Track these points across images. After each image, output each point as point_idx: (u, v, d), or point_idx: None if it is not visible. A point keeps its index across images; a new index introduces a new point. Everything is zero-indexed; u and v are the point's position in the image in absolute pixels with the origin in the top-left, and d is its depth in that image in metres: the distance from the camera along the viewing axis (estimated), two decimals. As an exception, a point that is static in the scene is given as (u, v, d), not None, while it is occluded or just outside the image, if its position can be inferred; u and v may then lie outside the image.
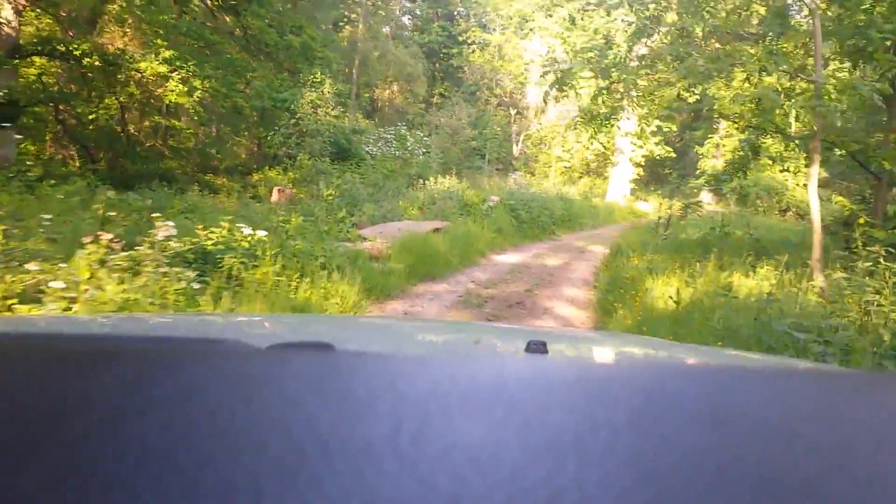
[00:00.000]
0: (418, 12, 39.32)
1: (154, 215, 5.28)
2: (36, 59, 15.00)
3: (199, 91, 14.67)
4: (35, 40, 14.72)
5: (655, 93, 8.71)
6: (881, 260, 5.97)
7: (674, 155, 28.76)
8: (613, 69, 9.96)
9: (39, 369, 0.63)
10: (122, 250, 4.53)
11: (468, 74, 35.57)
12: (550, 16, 28.79)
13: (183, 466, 0.39)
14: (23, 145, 14.93)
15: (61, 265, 4.28)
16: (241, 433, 0.45)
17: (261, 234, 5.86)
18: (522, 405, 0.54)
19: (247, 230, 5.73)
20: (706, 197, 22.31)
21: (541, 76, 11.60)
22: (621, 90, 10.98)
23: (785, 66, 7.79)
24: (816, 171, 7.94)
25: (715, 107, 10.38)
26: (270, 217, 9.77)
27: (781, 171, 19.00)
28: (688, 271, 7.63)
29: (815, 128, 7.60)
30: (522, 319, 7.11)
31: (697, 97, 10.83)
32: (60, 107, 16.23)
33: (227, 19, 16.46)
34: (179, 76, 14.42)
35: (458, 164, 24.37)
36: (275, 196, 14.16)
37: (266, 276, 5.93)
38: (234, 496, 0.36)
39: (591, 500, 0.38)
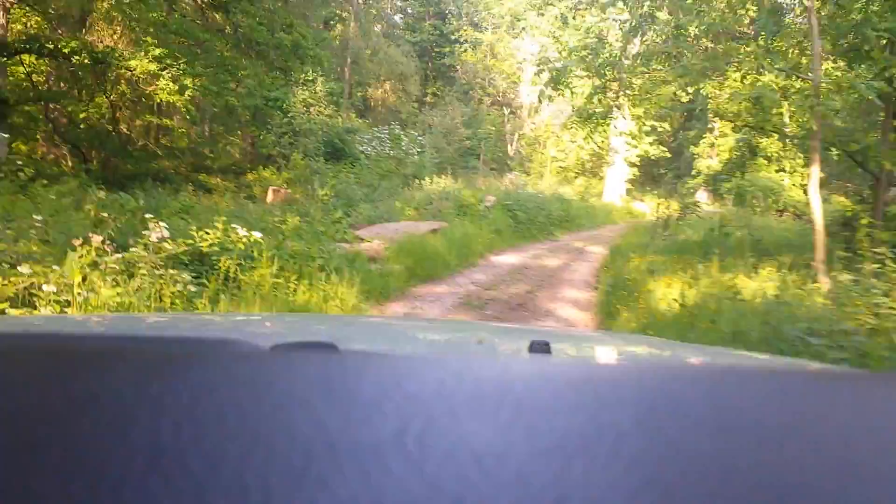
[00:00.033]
0: (410, 10, 39.17)
1: (147, 216, 5.13)
2: (24, 56, 14.81)
3: (191, 90, 14.49)
4: (23, 38, 14.52)
5: (651, 92, 8.59)
6: (886, 261, 5.87)
7: (669, 155, 28.72)
8: (608, 67, 9.85)
9: (47, 369, 0.63)
10: (115, 252, 4.38)
11: (461, 73, 35.47)
12: (542, 14, 28.71)
13: (194, 466, 0.39)
14: (14, 145, 14.75)
15: (54, 267, 4.14)
16: (250, 433, 0.44)
17: (257, 235, 5.72)
18: (528, 406, 0.54)
19: (242, 231, 5.58)
20: (702, 196, 22.27)
21: (535, 74, 11.50)
22: (616, 89, 10.89)
23: (782, 65, 7.69)
24: (817, 171, 7.84)
25: (710, 106, 10.29)
26: (266, 218, 9.64)
27: (778, 171, 18.92)
28: (690, 273, 7.52)
29: (815, 127, 7.49)
30: (525, 321, 7.00)
31: (691, 96, 10.75)
32: (51, 105, 16.06)
33: (217, 17, 16.30)
34: (170, 74, 14.24)
35: (454, 163, 24.27)
36: (270, 196, 14.02)
37: (264, 278, 5.80)
38: (245, 496, 0.36)
39: (597, 501, 0.38)
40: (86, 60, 14.03)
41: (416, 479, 0.39)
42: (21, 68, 15.33)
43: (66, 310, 3.81)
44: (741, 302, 5.68)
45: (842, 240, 9.30)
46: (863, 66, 8.28)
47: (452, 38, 35.76)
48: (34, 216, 5.17)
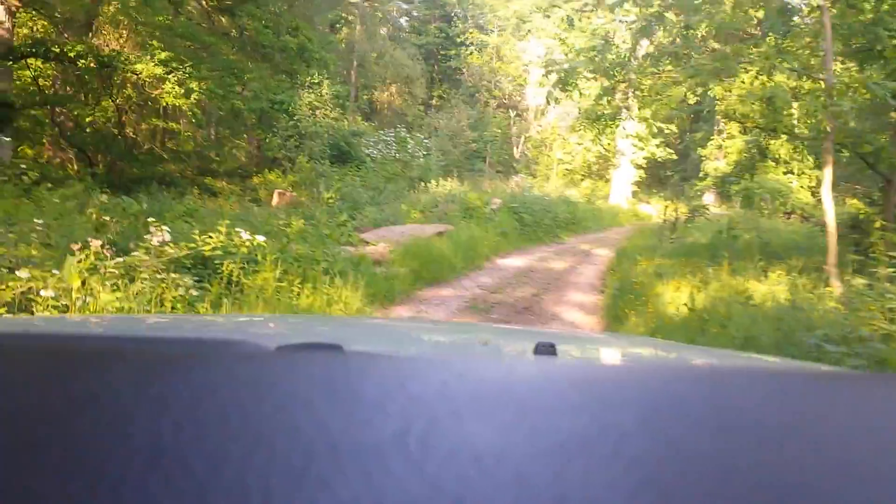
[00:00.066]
0: (415, 14, 39.14)
1: (150, 220, 5.08)
2: (31, 60, 14.82)
3: (196, 93, 14.47)
4: (30, 42, 14.53)
5: (661, 93, 8.49)
6: None
7: (675, 157, 28.60)
8: (617, 68, 9.77)
9: (48, 369, 0.63)
10: (115, 256, 4.33)
11: (467, 76, 35.42)
12: (548, 16, 28.66)
13: (195, 467, 0.39)
14: (20, 148, 14.76)
15: (54, 272, 4.09)
16: (251, 434, 0.44)
17: (260, 238, 5.66)
18: (531, 407, 0.54)
19: (245, 235, 5.52)
20: (708, 199, 22.15)
21: (543, 76, 11.41)
22: (624, 90, 10.80)
23: (794, 65, 7.58)
24: (830, 173, 7.73)
25: (721, 107, 10.19)
26: (271, 221, 9.58)
27: (786, 174, 18.81)
28: (699, 276, 7.43)
29: (828, 128, 7.38)
30: (531, 325, 6.93)
31: (699, 98, 10.66)
32: (57, 109, 16.06)
33: (223, 20, 16.28)
34: (176, 78, 14.22)
35: (459, 166, 24.21)
36: (275, 199, 13.98)
37: (267, 281, 5.75)
38: (246, 496, 0.36)
39: (596, 501, 0.38)
40: (92, 64, 14.04)
41: (417, 479, 0.39)
42: (28, 72, 15.33)
43: (64, 315, 3.75)
44: (753, 307, 5.57)
45: (851, 242, 9.21)
46: (874, 66, 8.17)
47: (458, 40, 35.72)
48: (35, 220, 5.12)
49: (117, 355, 0.71)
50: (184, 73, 14.38)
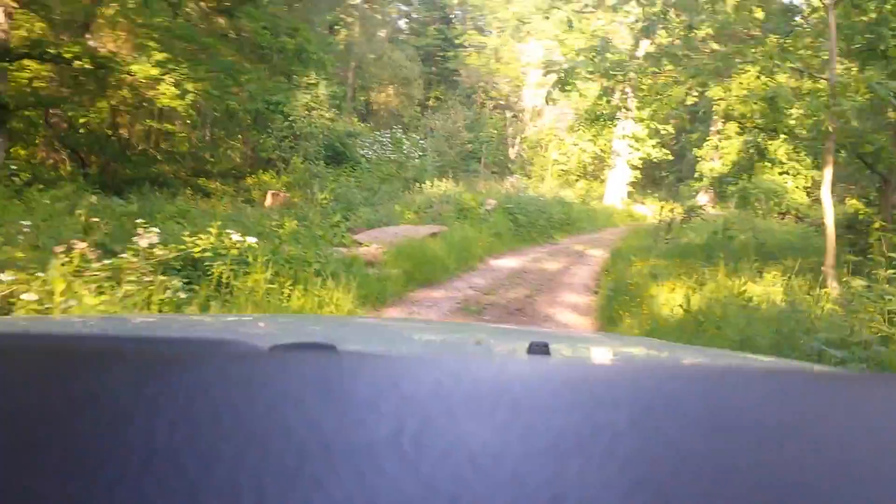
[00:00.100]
0: (415, 15, 39.08)
1: (138, 221, 5.02)
2: (26, 62, 14.74)
3: (192, 94, 14.41)
4: (26, 43, 14.46)
5: (662, 92, 8.43)
6: None
7: (671, 157, 28.58)
8: (618, 68, 9.71)
9: (42, 369, 0.63)
10: (100, 259, 4.28)
11: (464, 77, 35.36)
12: (548, 18, 28.65)
13: (188, 467, 0.39)
14: (13, 149, 14.69)
15: (39, 274, 4.03)
16: (244, 434, 0.44)
17: (251, 240, 5.60)
18: (525, 407, 0.54)
19: (236, 236, 5.46)
20: (703, 199, 22.11)
21: (543, 75, 11.34)
22: (623, 90, 10.75)
23: (797, 65, 7.52)
24: (830, 174, 7.68)
25: (718, 108, 10.14)
26: (263, 221, 9.54)
27: (781, 174, 18.80)
28: (695, 277, 7.39)
29: (830, 128, 7.33)
30: (523, 326, 6.89)
31: (696, 99, 10.61)
32: (51, 111, 15.99)
33: (221, 21, 16.21)
34: (172, 79, 14.16)
35: (455, 167, 24.16)
36: (269, 200, 13.93)
37: (258, 283, 5.70)
38: (238, 496, 0.36)
39: (592, 501, 0.38)
40: (87, 65, 13.96)
41: (411, 479, 0.39)
42: (24, 74, 15.24)
43: (63, 316, 3.70)
44: (753, 309, 5.49)
45: (846, 243, 9.18)
46: (876, 66, 8.11)
47: (457, 42, 35.67)
48: (22, 221, 5.07)
49: (114, 355, 0.71)
50: (180, 74, 14.32)
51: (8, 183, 9.47)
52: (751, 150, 10.39)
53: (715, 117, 18.69)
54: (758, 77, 8.23)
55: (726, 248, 9.54)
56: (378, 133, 22.36)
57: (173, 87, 14.32)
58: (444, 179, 18.32)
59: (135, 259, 4.54)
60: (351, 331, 1.93)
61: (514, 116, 34.93)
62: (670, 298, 6.83)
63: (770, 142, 10.50)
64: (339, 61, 25.92)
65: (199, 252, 5.27)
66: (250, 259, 5.88)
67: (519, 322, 7.18)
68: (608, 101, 10.71)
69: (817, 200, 19.83)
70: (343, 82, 28.01)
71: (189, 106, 15.28)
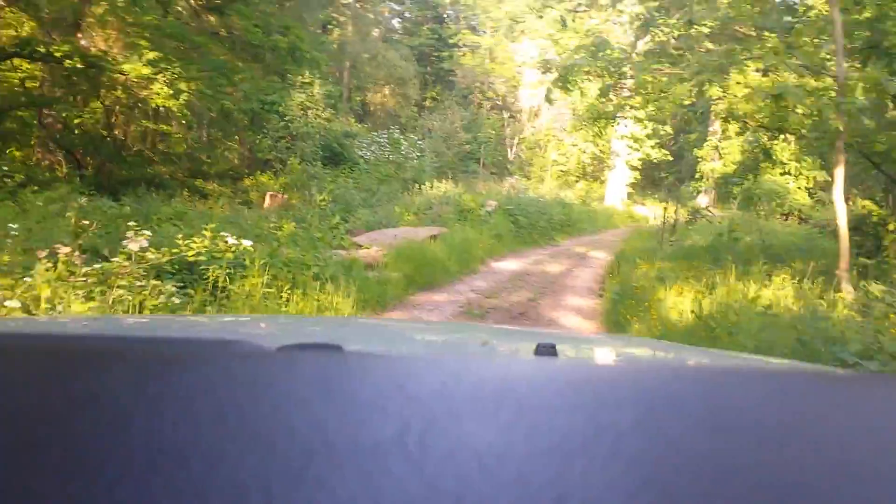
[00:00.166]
0: (408, 15, 38.91)
1: (131, 223, 4.84)
2: (18, 62, 14.57)
3: (186, 93, 14.23)
4: (15, 41, 14.27)
5: (666, 90, 8.25)
6: None
7: (671, 158, 28.46)
8: (618, 64, 9.54)
9: (44, 369, 0.62)
10: (89, 263, 4.09)
11: (460, 78, 35.21)
12: (541, 17, 28.48)
13: (194, 466, 0.39)
14: (8, 151, 14.50)
15: (27, 279, 3.85)
16: (251, 434, 0.44)
17: (246, 243, 5.41)
18: (530, 407, 0.54)
19: (231, 239, 5.28)
20: (703, 200, 21.96)
21: (541, 73, 11.17)
22: (619, 88, 10.57)
23: (802, 61, 7.33)
24: (842, 174, 7.49)
25: (719, 107, 9.97)
26: (261, 224, 9.36)
27: (783, 175, 18.65)
28: (704, 281, 7.20)
29: (840, 127, 7.14)
30: (529, 327, 6.72)
31: (694, 99, 10.45)
32: (45, 111, 15.80)
33: (212, 19, 16.04)
34: (164, 78, 13.99)
35: (453, 168, 24.01)
36: (267, 201, 13.74)
37: (255, 287, 5.52)
38: (245, 496, 0.36)
39: (597, 502, 0.38)
40: (78, 64, 13.77)
41: (415, 479, 0.39)
42: (16, 74, 15.06)
43: (63, 315, 3.53)
44: (772, 316, 5.26)
45: (853, 245, 9.00)
46: (879, 63, 7.94)
47: (451, 42, 35.52)
48: (11, 224, 4.88)
49: (116, 355, 0.70)
50: (172, 73, 14.16)
51: (1, 185, 9.28)
52: (756, 150, 10.20)
53: (713, 117, 18.56)
54: (765, 74, 8.05)
55: (732, 251, 9.37)
56: (375, 134, 22.19)
57: (166, 87, 14.16)
58: (442, 180, 18.17)
59: (126, 263, 4.35)
60: (355, 331, 1.91)
61: (512, 117, 34.80)
62: (678, 302, 6.65)
63: (774, 142, 10.32)
64: (333, 61, 25.78)
65: (193, 255, 5.08)
66: (247, 262, 5.70)
67: (523, 325, 7.01)
68: (609, 99, 10.53)
69: (820, 201, 19.75)
70: (338, 82, 27.81)
71: (183, 106, 15.11)
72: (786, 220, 17.73)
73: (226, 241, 5.23)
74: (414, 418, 0.48)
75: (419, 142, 23.31)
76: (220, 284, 5.28)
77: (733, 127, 10.14)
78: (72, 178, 14.00)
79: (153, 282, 4.49)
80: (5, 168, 10.35)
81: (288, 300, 5.85)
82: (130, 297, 4.16)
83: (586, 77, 9.97)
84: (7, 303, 3.43)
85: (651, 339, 4.22)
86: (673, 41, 9.34)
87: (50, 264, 3.83)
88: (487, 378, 0.67)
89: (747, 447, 0.48)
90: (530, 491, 0.38)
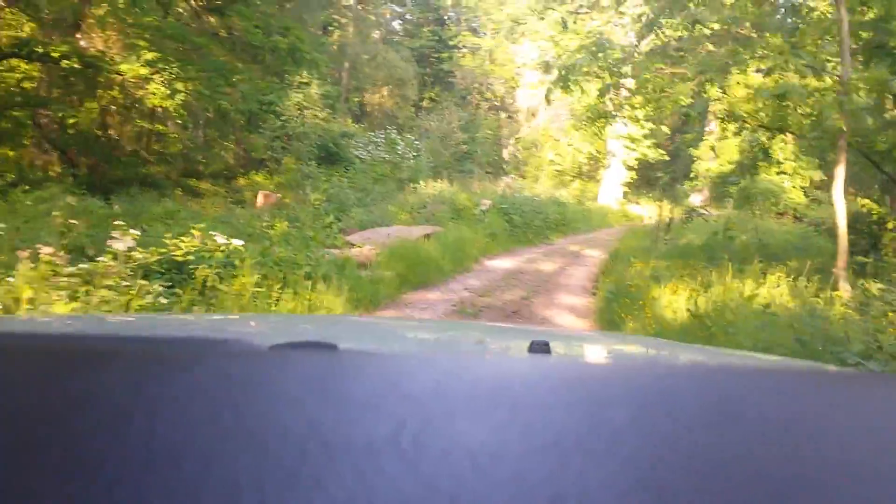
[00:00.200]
0: (409, 17, 38.88)
1: (117, 223, 4.79)
2: (16, 62, 14.52)
3: (182, 94, 14.18)
4: (14, 42, 14.22)
5: (669, 88, 8.19)
6: None
7: (667, 158, 28.44)
8: (621, 64, 9.49)
9: (41, 368, 0.63)
10: (75, 263, 4.04)
11: (459, 79, 35.18)
12: (542, 19, 28.47)
13: (187, 466, 0.39)
14: (1, 150, 14.47)
15: (10, 279, 3.80)
16: (244, 433, 0.44)
17: (237, 242, 5.36)
18: (525, 405, 0.54)
19: (221, 239, 5.22)
20: (696, 199, 21.93)
21: (543, 72, 11.13)
22: (622, 90, 10.53)
23: (807, 60, 7.28)
24: (843, 173, 7.43)
25: (721, 106, 9.93)
26: (253, 223, 9.33)
27: (778, 174, 18.62)
28: (699, 279, 7.15)
29: (843, 127, 7.08)
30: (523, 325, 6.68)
31: (692, 99, 10.41)
32: (40, 111, 15.76)
33: (212, 20, 16.00)
34: (162, 78, 13.94)
35: (449, 167, 23.97)
36: (260, 200, 13.69)
37: (245, 287, 5.47)
38: (239, 496, 0.36)
39: (592, 499, 0.38)
40: (76, 65, 13.73)
41: (411, 478, 0.38)
42: (13, 75, 15.01)
43: (60, 314, 3.48)
44: (770, 315, 5.20)
45: (849, 243, 8.96)
46: (883, 63, 7.89)
47: (451, 43, 35.50)
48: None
49: (111, 355, 0.69)
50: (170, 73, 14.11)
51: (-10, 184, 9.25)
52: (755, 150, 10.15)
53: (710, 117, 18.53)
54: (768, 73, 7.99)
55: (727, 249, 9.33)
56: (372, 134, 22.15)
57: (163, 87, 14.11)
58: (438, 180, 18.12)
59: (112, 263, 4.30)
60: (348, 330, 1.89)
61: (509, 117, 34.78)
62: (673, 301, 6.61)
63: (773, 141, 10.28)
64: (332, 62, 25.72)
65: (181, 255, 5.03)
66: (237, 262, 5.65)
67: (516, 324, 6.97)
68: (611, 99, 10.49)
69: (815, 200, 19.72)
70: (337, 83, 27.77)
71: (180, 106, 15.07)
72: (781, 218, 17.70)
73: (215, 241, 5.18)
74: (408, 417, 0.47)
75: (416, 142, 23.27)
76: (209, 284, 5.23)
77: (731, 127, 10.08)
78: (64, 177, 13.97)
79: (140, 282, 4.45)
80: (-4, 167, 10.31)
81: (278, 300, 5.81)
82: (116, 298, 4.11)
83: (586, 78, 9.92)
84: (-13, 302, 3.39)
85: (645, 337, 4.20)
86: (674, 42, 9.30)
87: (32, 265, 3.77)
88: (482, 376, 0.67)
89: (742, 443, 0.48)
90: (525, 489, 0.38)
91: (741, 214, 13.78)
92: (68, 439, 0.43)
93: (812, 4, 9.19)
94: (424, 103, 34.02)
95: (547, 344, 1.18)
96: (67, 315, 3.26)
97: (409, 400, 0.53)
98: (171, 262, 5.16)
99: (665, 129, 25.77)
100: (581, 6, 27.23)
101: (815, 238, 11.56)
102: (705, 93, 9.58)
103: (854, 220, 10.40)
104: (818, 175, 18.49)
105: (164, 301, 4.51)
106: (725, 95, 9.60)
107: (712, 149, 21.42)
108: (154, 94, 14.14)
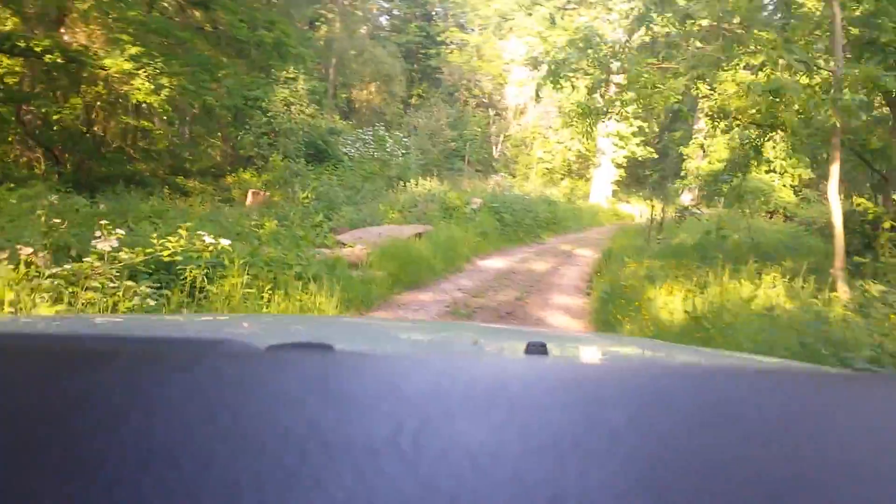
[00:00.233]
0: (396, 12, 38.69)
1: (103, 222, 4.64)
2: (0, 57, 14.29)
3: (167, 89, 13.98)
4: (-3, 36, 13.98)
5: (662, 84, 8.10)
6: None
7: (656, 156, 28.42)
8: (612, 58, 9.40)
9: (40, 369, 0.63)
10: (59, 263, 3.90)
11: (447, 75, 35.04)
12: (530, 14, 28.42)
13: (186, 467, 0.39)
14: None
15: (-9, 281, 3.66)
16: (243, 434, 0.44)
17: (224, 242, 5.22)
18: (522, 406, 0.54)
19: (208, 238, 5.09)
20: (687, 198, 21.91)
21: (533, 68, 11.04)
22: (616, 84, 10.44)
23: (799, 56, 7.19)
24: (837, 171, 7.35)
25: (711, 104, 9.86)
26: (242, 221, 9.17)
27: (768, 172, 18.61)
28: (695, 280, 7.07)
29: (837, 123, 7.01)
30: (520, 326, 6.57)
31: (680, 97, 10.34)
32: (24, 107, 15.53)
33: (197, 14, 15.82)
34: (146, 73, 13.73)
35: (439, 165, 23.85)
36: (249, 199, 13.53)
37: (234, 288, 5.34)
38: (238, 496, 0.36)
39: (591, 499, 0.38)
40: (59, 59, 13.51)
41: (410, 478, 0.39)
42: (-4, 70, 14.77)
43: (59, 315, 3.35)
44: (770, 317, 5.10)
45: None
46: (874, 59, 7.82)
47: (438, 39, 35.35)
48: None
49: (109, 355, 0.69)
50: (154, 68, 13.91)
51: (-27, 181, 9.05)
52: (747, 147, 10.09)
53: (699, 115, 18.47)
54: (759, 69, 7.91)
55: (720, 249, 9.26)
56: (360, 131, 22.00)
57: (148, 83, 13.91)
58: (428, 178, 18.00)
59: (98, 263, 4.16)
60: (342, 331, 1.88)
61: (498, 115, 34.68)
62: (669, 301, 6.53)
63: (766, 138, 10.21)
64: (319, 57, 25.55)
65: (168, 255, 4.89)
66: (226, 262, 5.51)
67: (511, 325, 6.88)
68: (603, 95, 10.40)
69: (805, 199, 19.74)
70: (324, 79, 27.57)
71: (165, 102, 14.86)
72: (770, 218, 17.70)
73: (203, 240, 5.04)
74: (407, 417, 0.47)
75: (404, 139, 23.13)
76: (198, 285, 5.10)
77: (721, 124, 10.01)
78: (50, 175, 13.77)
79: (127, 283, 4.31)
80: (-21, 164, 10.10)
81: (269, 300, 5.68)
82: (102, 299, 3.97)
83: (575, 74, 9.82)
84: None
85: (641, 338, 4.18)
86: (661, 39, 9.22)
87: (12, 266, 3.63)
88: (479, 377, 0.66)
89: (739, 444, 0.48)
90: (524, 489, 0.38)
91: (732, 213, 13.74)
92: (67, 439, 0.42)
93: (800, 0, 9.14)
94: (413, 100, 33.88)
95: (544, 345, 1.18)
96: (59, 315, 3.16)
97: (408, 400, 0.53)
98: (159, 263, 5.02)
99: (654, 126, 25.77)
100: (569, 2, 27.22)
101: (806, 237, 11.53)
102: (696, 89, 9.51)
103: (846, 220, 10.37)
104: (808, 174, 18.49)
105: (151, 303, 4.38)
106: (715, 92, 9.53)
107: (702, 147, 21.38)
108: (139, 89, 13.92)
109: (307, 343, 0.90)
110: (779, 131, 9.27)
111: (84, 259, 4.30)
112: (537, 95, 11.21)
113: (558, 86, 9.39)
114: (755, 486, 0.41)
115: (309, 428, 0.45)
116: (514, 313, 7.51)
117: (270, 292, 5.75)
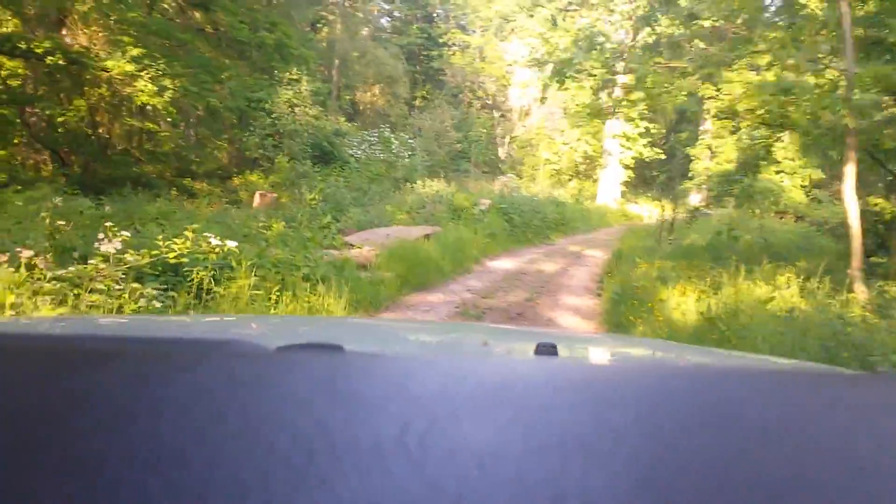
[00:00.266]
0: (397, 14, 38.63)
1: (108, 224, 4.57)
2: (1, 59, 14.26)
3: (170, 91, 13.94)
4: (-2, 38, 13.97)
5: (668, 83, 8.01)
6: None
7: (663, 157, 28.30)
8: (618, 57, 9.33)
9: (47, 369, 0.62)
10: (64, 265, 3.82)
11: (450, 77, 34.97)
12: (531, 16, 28.31)
13: (194, 466, 0.39)
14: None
15: (-5, 283, 3.58)
16: (251, 433, 0.44)
17: (231, 244, 5.14)
18: (530, 407, 0.54)
19: (214, 240, 5.00)
20: (695, 199, 21.79)
21: (538, 68, 10.96)
22: (620, 85, 10.35)
23: (808, 54, 7.10)
24: (853, 171, 7.23)
25: (719, 104, 9.77)
26: (249, 223, 9.11)
27: (777, 173, 18.50)
28: (708, 280, 6.96)
29: (850, 123, 6.89)
30: (529, 327, 6.48)
31: (685, 97, 10.24)
32: (29, 109, 15.51)
33: (197, 15, 15.79)
34: (149, 75, 13.70)
35: (445, 167, 23.77)
36: (256, 200, 13.47)
37: (242, 290, 5.26)
38: (245, 496, 0.36)
39: (595, 500, 0.38)
40: (60, 61, 13.48)
41: (416, 478, 0.39)
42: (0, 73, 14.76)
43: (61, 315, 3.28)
44: (789, 320, 4.98)
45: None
46: (881, 59, 7.71)
47: (440, 41, 35.29)
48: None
49: (117, 355, 0.68)
50: (157, 70, 13.88)
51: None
52: (757, 147, 9.98)
53: (706, 116, 18.35)
54: (767, 69, 7.82)
55: (732, 249, 9.15)
56: (366, 132, 21.93)
57: (151, 84, 13.87)
58: (434, 179, 17.92)
59: (103, 265, 4.08)
60: (351, 331, 1.88)
61: (502, 116, 34.60)
62: (682, 303, 6.43)
63: (777, 138, 10.10)
64: (322, 59, 25.53)
65: (174, 257, 4.81)
66: (233, 264, 5.44)
67: (521, 326, 6.79)
68: (609, 94, 10.32)
69: (815, 199, 19.61)
70: (327, 81, 27.53)
71: (169, 104, 14.82)
72: (781, 218, 17.58)
73: (209, 242, 4.96)
74: (415, 418, 0.47)
75: (410, 140, 23.06)
76: (205, 287, 5.03)
77: (729, 125, 9.91)
78: (57, 177, 13.74)
79: (133, 285, 4.23)
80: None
81: (277, 302, 5.61)
82: (107, 302, 3.90)
83: (579, 75, 9.73)
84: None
85: (652, 339, 4.14)
86: (664, 40, 9.14)
87: (13, 269, 3.55)
88: (488, 378, 0.66)
89: (747, 447, 0.47)
90: (530, 490, 0.38)
91: (742, 214, 13.63)
92: (70, 440, 0.42)
93: (803, 1, 9.06)
94: (416, 102, 33.82)
95: (554, 346, 1.17)
96: (61, 317, 3.09)
97: (416, 401, 0.53)
98: (165, 265, 4.95)
99: (661, 128, 25.67)
100: (570, 3, 27.09)
101: (818, 238, 11.41)
102: (704, 89, 9.42)
103: (864, 220, 10.27)
104: (817, 174, 18.36)
105: (157, 305, 4.30)
106: (722, 93, 9.44)
107: (709, 147, 21.26)
108: (142, 91, 13.88)
109: (317, 344, 0.90)
110: (789, 131, 9.16)
111: (89, 261, 4.22)
112: (543, 96, 11.12)
113: (563, 85, 9.30)
114: (758, 487, 0.40)
115: (317, 428, 0.45)
116: (524, 314, 7.42)
117: (278, 294, 5.67)
